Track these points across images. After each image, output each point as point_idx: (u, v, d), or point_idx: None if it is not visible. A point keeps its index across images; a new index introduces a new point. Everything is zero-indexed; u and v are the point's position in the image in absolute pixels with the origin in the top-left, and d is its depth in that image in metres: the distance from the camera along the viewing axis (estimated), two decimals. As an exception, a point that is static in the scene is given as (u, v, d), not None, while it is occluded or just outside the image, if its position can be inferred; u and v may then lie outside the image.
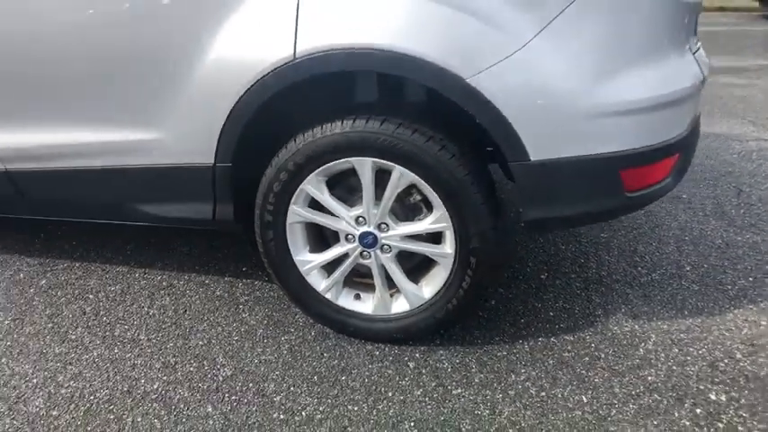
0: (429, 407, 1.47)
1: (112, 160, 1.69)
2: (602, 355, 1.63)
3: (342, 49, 1.33)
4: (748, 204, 2.58)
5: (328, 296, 1.68)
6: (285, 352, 1.69)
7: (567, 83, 1.30)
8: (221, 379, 1.59)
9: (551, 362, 1.62)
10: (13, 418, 1.47)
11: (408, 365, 1.62)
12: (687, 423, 1.39)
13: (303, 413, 1.46)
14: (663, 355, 1.63)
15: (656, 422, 1.40)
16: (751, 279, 1.99)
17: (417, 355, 1.66)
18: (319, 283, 1.68)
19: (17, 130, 1.74)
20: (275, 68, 1.39)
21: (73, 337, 1.79)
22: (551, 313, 1.83)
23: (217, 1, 1.41)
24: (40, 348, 1.74)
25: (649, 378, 1.54)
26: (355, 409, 1.47)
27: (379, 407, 1.47)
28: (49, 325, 1.85)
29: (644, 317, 1.80)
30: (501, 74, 1.29)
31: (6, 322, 1.87)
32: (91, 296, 2.00)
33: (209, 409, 1.48)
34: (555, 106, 1.31)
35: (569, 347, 1.67)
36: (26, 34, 1.59)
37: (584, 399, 1.48)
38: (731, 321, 1.77)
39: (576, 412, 1.43)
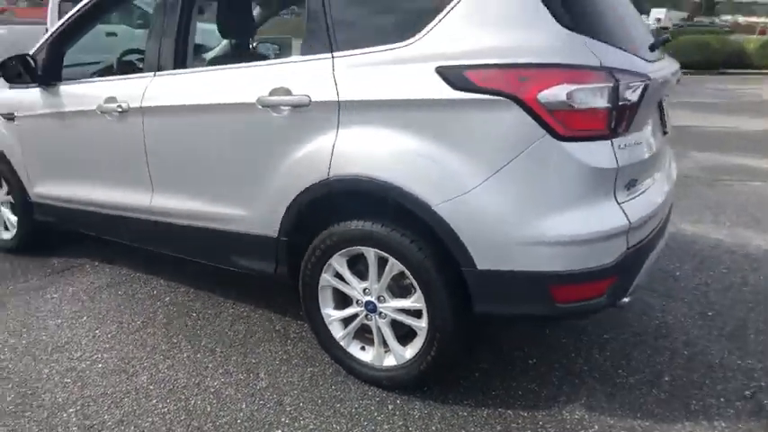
0: (388, 438, 1.97)
1: (220, 224, 2.48)
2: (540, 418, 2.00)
3: (354, 177, 1.97)
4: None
5: (342, 343, 2.27)
6: (306, 379, 2.29)
7: (505, 217, 1.80)
8: (257, 388, 2.24)
9: (499, 428, 2.02)
10: (135, 384, 2.25)
11: (387, 407, 2.13)
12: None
13: (302, 422, 2.05)
14: (593, 442, 1.95)
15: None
16: (722, 400, 2.19)
17: (398, 401, 2.16)
18: (338, 332, 2.28)
19: (173, 199, 2.62)
20: (317, 182, 2.07)
21: (174, 341, 2.58)
22: (520, 392, 2.22)
23: (288, 141, 2.14)
24: (153, 344, 2.55)
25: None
26: (338, 427, 2.02)
27: (354, 429, 2.01)
28: (162, 330, 2.67)
29: (598, 410, 2.12)
30: (458, 205, 1.83)
31: (137, 323, 2.74)
32: (194, 314, 2.81)
33: (243, 406, 2.13)
34: (495, 232, 1.81)
35: (520, 421, 2.06)
36: (191, 148, 2.46)
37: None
38: (672, 430, 2.02)
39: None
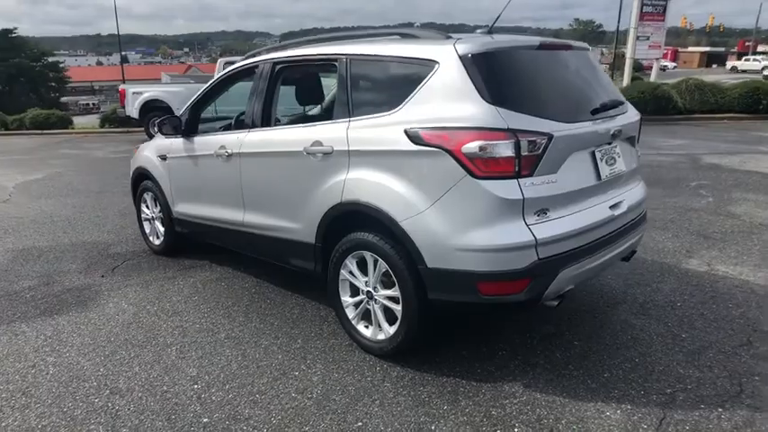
0: (381, 403, 2.80)
1: (280, 233, 3.52)
2: (485, 392, 2.69)
3: (355, 201, 2.89)
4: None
5: (353, 322, 3.15)
6: (328, 346, 3.19)
7: (445, 230, 2.58)
8: (292, 347, 3.19)
9: (449, 388, 2.74)
10: (215, 338, 3.33)
11: (375, 367, 2.96)
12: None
13: (314, 369, 2.95)
14: (514, 402, 2.60)
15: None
16: (642, 392, 2.68)
17: (384, 364, 2.98)
18: (351, 314, 3.16)
19: (256, 216, 3.73)
20: (335, 204, 3.02)
21: (250, 316, 3.64)
22: (479, 370, 2.91)
23: (320, 176, 3.10)
24: (235, 316, 3.63)
25: (493, 412, 2.56)
26: (336, 375, 2.89)
27: (346, 377, 2.86)
28: (244, 309, 3.75)
29: (532, 387, 2.74)
30: (414, 221, 2.65)
31: (229, 303, 3.86)
32: (268, 300, 3.86)
33: (279, 357, 3.09)
34: (439, 241, 2.60)
35: (468, 387, 2.76)
36: (267, 181, 3.55)
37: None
38: (584, 406, 2.59)
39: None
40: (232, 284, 4.22)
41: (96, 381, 2.92)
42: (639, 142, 3.37)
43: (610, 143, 2.96)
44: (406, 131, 2.69)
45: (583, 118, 2.81)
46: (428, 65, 2.73)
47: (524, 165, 2.50)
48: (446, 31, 3.07)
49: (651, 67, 23.68)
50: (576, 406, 2.60)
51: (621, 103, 3.18)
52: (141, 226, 5.16)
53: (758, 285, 3.95)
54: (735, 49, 75.71)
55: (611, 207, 2.91)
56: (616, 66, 34.76)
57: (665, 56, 42.44)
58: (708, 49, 79.35)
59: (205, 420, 2.57)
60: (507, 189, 2.50)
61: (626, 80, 21.69)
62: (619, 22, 36.18)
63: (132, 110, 13.45)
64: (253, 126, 3.68)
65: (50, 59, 33.23)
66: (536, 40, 2.89)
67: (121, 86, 13.80)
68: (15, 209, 6.98)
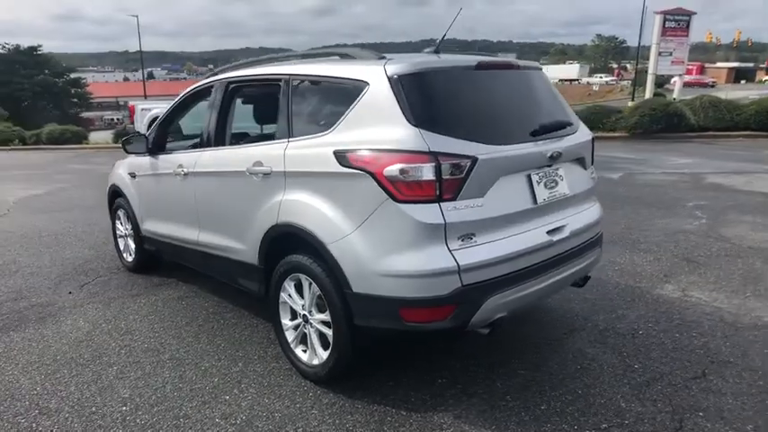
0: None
1: (229, 253, 3.49)
2: (412, 422, 2.60)
3: (289, 223, 2.86)
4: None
5: (291, 346, 3.10)
6: (267, 370, 3.14)
7: (368, 254, 2.52)
8: (231, 371, 3.14)
9: (376, 417, 2.66)
10: (159, 358, 3.31)
11: (308, 393, 2.89)
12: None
13: (247, 393, 2.89)
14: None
15: None
16: (575, 428, 2.56)
17: (317, 390, 2.91)
18: (290, 337, 3.11)
19: (209, 235, 3.72)
20: (272, 225, 2.99)
21: (200, 336, 3.61)
22: (413, 399, 2.82)
23: (261, 197, 3.07)
24: (185, 336, 3.60)
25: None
26: (267, 401, 2.83)
27: (276, 402, 2.80)
28: (196, 329, 3.72)
29: (463, 418, 2.64)
30: (340, 244, 2.60)
31: (183, 323, 3.84)
32: (221, 320, 3.83)
33: (215, 379, 3.05)
34: (362, 265, 2.54)
35: (396, 416, 2.68)
36: (216, 201, 3.55)
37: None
38: None
39: None
40: (192, 303, 4.20)
41: (29, 400, 2.91)
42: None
43: (550, 165, 2.87)
44: (334, 153, 2.66)
45: (518, 140, 2.73)
46: (359, 85, 2.70)
47: (446, 188, 2.44)
48: (458, 47, 3.04)
49: (693, 84, 23.40)
50: (503, 440, 2.50)
51: (569, 124, 3.09)
52: (116, 243, 5.21)
53: (729, 313, 3.78)
54: (765, 64, 74.12)
55: (550, 232, 2.81)
56: (638, 82, 34.41)
57: (689, 71, 41.89)
58: (736, 64, 77.81)
59: (122, 445, 2.54)
60: (428, 213, 2.43)
61: (648, 95, 21.41)
62: (640, 37, 35.88)
63: (141, 126, 13.73)
64: (207, 145, 3.69)
65: (72, 76, 34.28)
66: (474, 60, 2.84)
67: (131, 103, 14.16)
68: (9, 223, 7.12)
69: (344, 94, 2.77)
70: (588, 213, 3.16)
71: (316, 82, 3.02)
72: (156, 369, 3.20)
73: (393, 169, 2.43)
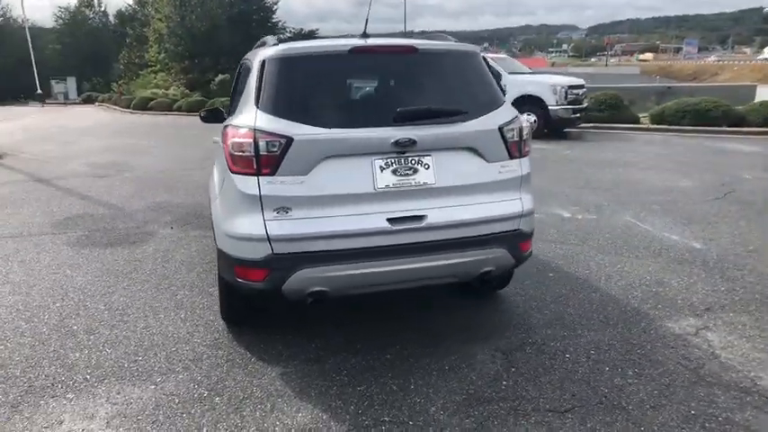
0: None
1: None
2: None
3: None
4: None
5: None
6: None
7: (218, 215, 2.98)
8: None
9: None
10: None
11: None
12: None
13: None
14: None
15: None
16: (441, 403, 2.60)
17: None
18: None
19: None
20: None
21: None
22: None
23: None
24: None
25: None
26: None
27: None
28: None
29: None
30: (214, 204, 3.10)
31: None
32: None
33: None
34: (218, 225, 3.01)
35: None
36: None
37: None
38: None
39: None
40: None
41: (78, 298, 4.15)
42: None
43: (402, 152, 2.80)
44: (224, 126, 3.12)
45: (362, 124, 2.78)
46: (254, 69, 3.07)
47: (263, 164, 2.71)
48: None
49: None
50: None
51: (455, 112, 2.92)
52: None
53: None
54: None
55: (394, 220, 2.78)
56: None
57: None
58: None
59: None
60: (248, 185, 2.74)
61: None
62: None
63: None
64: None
65: None
66: (349, 45, 2.93)
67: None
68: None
69: (249, 77, 3.16)
70: (482, 208, 2.94)
71: (247, 66, 3.43)
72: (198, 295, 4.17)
73: (230, 144, 2.80)
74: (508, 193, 3.04)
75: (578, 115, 12.30)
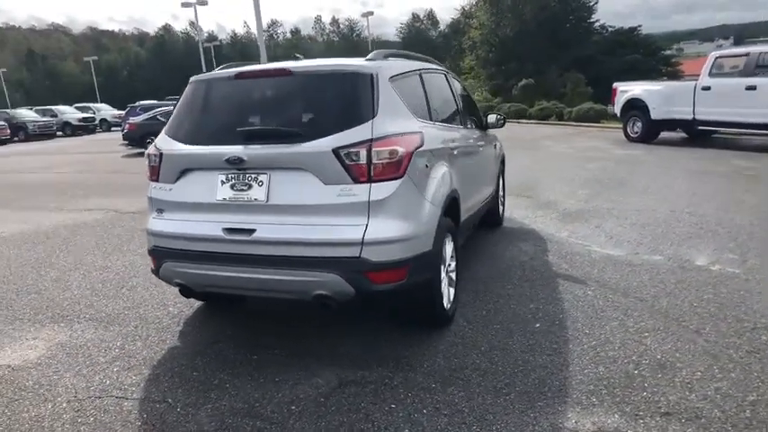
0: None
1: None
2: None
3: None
4: None
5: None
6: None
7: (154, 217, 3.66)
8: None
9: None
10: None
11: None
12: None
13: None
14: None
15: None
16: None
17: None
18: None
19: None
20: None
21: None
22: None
23: None
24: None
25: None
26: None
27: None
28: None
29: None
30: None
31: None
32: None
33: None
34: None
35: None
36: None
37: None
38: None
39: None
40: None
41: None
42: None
43: (241, 169, 2.98)
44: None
45: (210, 142, 3.12)
46: None
47: (152, 172, 3.33)
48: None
49: None
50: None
51: (293, 135, 2.98)
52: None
53: None
54: None
55: (229, 231, 3.00)
56: None
57: None
58: None
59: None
60: (149, 189, 3.39)
61: None
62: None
63: (616, 107, 13.92)
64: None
65: (666, 53, 34.15)
66: (235, 71, 3.24)
67: (615, 84, 14.31)
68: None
69: None
70: (316, 230, 2.88)
71: None
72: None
73: (145, 155, 3.50)
74: (349, 218, 2.88)
75: None
